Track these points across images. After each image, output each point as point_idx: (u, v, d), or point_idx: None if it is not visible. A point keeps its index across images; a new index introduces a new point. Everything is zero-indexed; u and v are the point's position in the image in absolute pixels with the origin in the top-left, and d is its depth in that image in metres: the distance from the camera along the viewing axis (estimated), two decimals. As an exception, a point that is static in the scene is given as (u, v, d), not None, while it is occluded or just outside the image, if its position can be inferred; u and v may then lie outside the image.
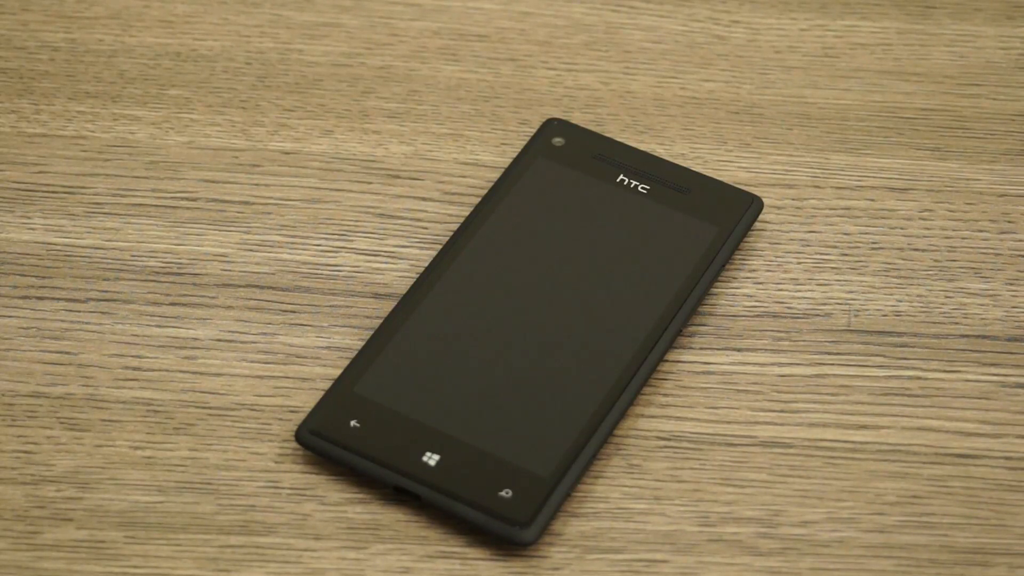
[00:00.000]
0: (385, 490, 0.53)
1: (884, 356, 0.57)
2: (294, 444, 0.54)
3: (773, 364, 0.57)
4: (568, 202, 0.60)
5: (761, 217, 0.61)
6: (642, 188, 0.60)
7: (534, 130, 0.63)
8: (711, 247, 0.58)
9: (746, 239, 0.60)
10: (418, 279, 0.58)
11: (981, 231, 0.61)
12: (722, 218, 0.59)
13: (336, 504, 0.53)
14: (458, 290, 0.57)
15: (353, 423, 0.54)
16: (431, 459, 0.53)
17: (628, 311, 0.57)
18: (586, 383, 0.55)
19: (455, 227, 0.60)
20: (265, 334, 0.57)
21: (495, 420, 0.54)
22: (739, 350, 0.57)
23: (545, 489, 0.52)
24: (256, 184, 0.61)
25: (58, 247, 0.59)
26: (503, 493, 0.52)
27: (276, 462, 0.54)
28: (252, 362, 0.56)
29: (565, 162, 0.61)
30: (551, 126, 0.62)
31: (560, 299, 0.57)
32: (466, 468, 0.53)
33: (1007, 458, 0.55)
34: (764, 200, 0.61)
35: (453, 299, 0.57)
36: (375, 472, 0.53)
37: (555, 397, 0.54)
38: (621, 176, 0.60)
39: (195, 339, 0.57)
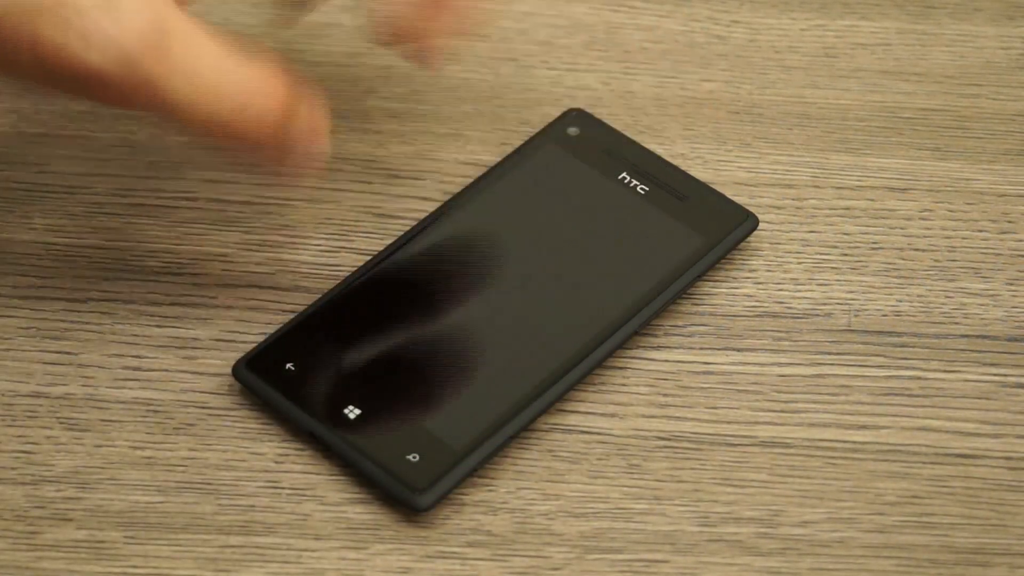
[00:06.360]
0: (310, 441, 0.54)
1: (884, 356, 0.57)
2: (294, 444, 0.54)
3: (773, 364, 0.57)
4: (562, 191, 0.60)
5: (761, 217, 0.61)
6: (641, 189, 0.60)
7: (535, 130, 0.63)
8: (689, 257, 0.58)
9: (747, 240, 0.60)
10: (398, 239, 0.58)
11: (981, 231, 0.61)
12: (709, 230, 0.59)
13: (336, 504, 0.53)
14: (430, 257, 0.57)
15: (289, 366, 0.54)
16: (352, 412, 0.53)
17: (586, 307, 0.56)
18: (523, 369, 0.55)
19: (455, 227, 0.60)
20: (265, 334, 0.57)
21: (425, 388, 0.54)
22: (739, 350, 0.57)
23: (451, 460, 0.52)
24: (257, 184, 0.61)
25: (58, 247, 0.59)
26: (411, 457, 0.52)
27: (276, 462, 0.54)
28: (252, 362, 0.56)
29: (573, 152, 0.61)
30: (570, 116, 0.62)
31: (524, 284, 0.57)
32: (383, 428, 0.53)
33: (1007, 458, 0.55)
34: (764, 199, 0.61)
35: (422, 264, 0.57)
36: (295, 415, 0.53)
37: (490, 377, 0.55)
38: (624, 174, 0.60)
39: (195, 339, 0.57)
